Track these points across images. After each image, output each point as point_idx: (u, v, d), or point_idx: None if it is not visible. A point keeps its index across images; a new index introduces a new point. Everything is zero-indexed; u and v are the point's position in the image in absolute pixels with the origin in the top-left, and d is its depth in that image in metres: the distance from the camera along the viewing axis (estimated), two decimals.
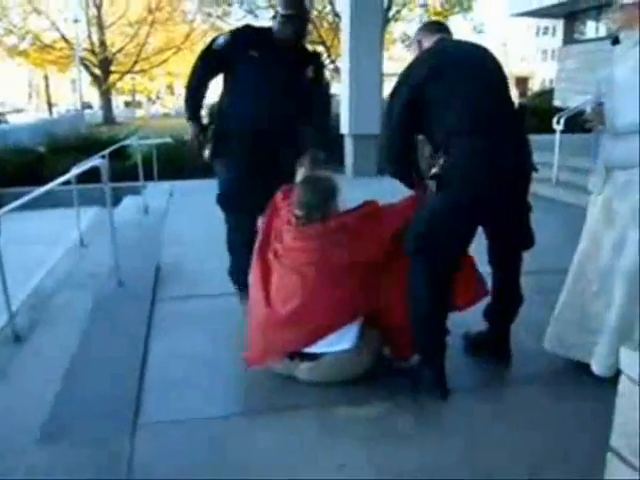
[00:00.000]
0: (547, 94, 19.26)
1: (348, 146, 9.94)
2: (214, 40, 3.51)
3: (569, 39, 19.05)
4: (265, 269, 2.92)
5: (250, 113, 3.43)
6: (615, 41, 2.77)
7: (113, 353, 3.16)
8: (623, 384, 1.43)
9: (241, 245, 3.52)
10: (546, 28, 35.98)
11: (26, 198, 4.90)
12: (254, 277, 2.95)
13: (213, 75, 3.57)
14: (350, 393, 2.69)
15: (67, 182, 5.61)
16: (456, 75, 2.58)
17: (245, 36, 3.48)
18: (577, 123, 4.00)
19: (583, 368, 2.81)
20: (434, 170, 2.59)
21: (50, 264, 5.32)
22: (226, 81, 3.56)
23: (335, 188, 2.92)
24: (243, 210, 3.54)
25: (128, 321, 3.60)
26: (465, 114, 2.54)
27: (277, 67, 3.42)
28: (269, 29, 3.48)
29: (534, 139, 4.84)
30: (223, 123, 3.54)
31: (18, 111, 33.48)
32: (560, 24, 16.62)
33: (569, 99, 13.92)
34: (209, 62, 3.51)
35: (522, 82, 27.90)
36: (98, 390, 2.78)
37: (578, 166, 7.32)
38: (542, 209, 5.66)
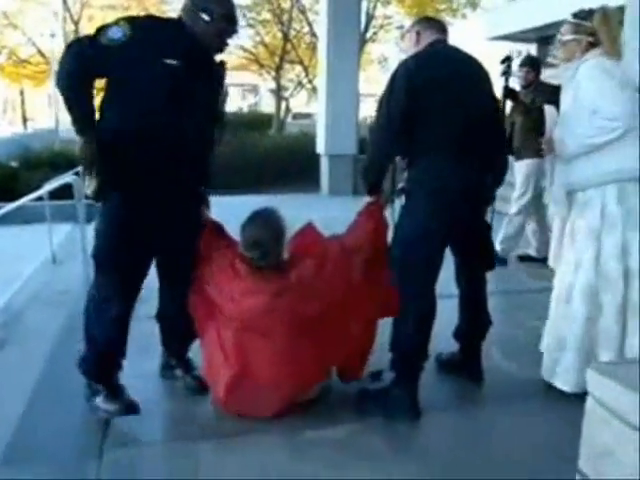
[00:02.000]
0: None
1: (324, 166, 9.99)
2: (102, 30, 2.44)
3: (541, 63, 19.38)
4: (217, 328, 2.69)
5: (164, 136, 2.55)
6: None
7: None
8: (590, 406, 1.44)
9: (117, 321, 2.66)
10: (519, 52, 36.79)
11: None
12: (209, 338, 2.74)
13: (93, 78, 2.51)
14: (319, 414, 2.66)
15: (40, 198, 5.56)
16: (440, 94, 2.59)
17: (154, 34, 2.55)
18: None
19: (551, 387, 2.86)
20: (401, 184, 2.71)
21: (21, 281, 5.23)
22: (116, 89, 2.54)
23: (284, 222, 2.81)
24: (135, 268, 2.66)
25: None
26: (439, 132, 2.60)
27: (199, 82, 2.63)
28: (188, 28, 2.62)
29: None
30: (119, 146, 2.50)
31: None
32: (533, 48, 16.98)
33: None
34: (90, 59, 2.43)
35: None
36: (65, 412, 2.73)
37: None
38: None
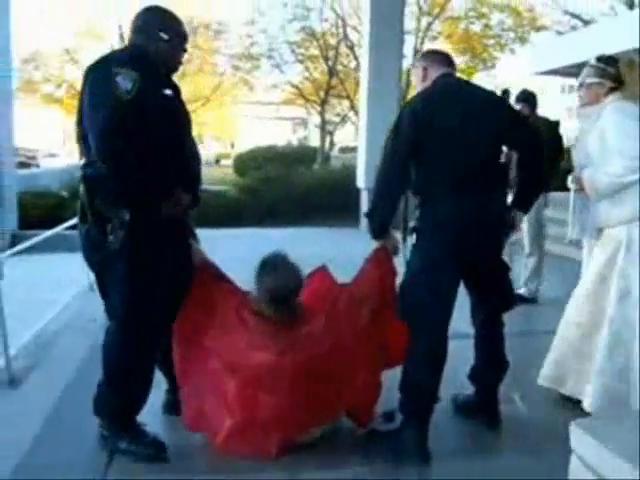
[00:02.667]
0: (569, 152, 19.20)
1: (363, 200, 9.99)
2: (111, 83, 2.31)
3: None
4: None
5: (187, 163, 2.59)
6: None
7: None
8: (573, 461, 1.38)
9: (146, 371, 2.65)
10: (571, 86, 36.39)
11: (32, 241, 5.02)
12: (200, 381, 2.69)
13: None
14: (323, 455, 2.61)
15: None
16: (444, 135, 2.59)
17: (147, 66, 2.46)
18: None
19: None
20: (412, 224, 2.71)
21: (58, 308, 5.37)
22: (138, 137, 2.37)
23: (301, 272, 2.78)
24: (163, 318, 2.62)
25: None
26: (443, 172, 2.61)
27: (182, 107, 2.64)
28: (149, 54, 2.54)
29: (553, 196, 4.87)
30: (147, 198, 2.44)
31: (52, 156, 34.40)
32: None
33: None
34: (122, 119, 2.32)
35: None
36: (73, 439, 2.75)
37: None
38: (551, 267, 5.63)
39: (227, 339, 2.64)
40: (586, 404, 2.91)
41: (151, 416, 2.80)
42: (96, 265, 2.60)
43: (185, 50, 2.67)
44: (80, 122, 2.50)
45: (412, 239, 2.72)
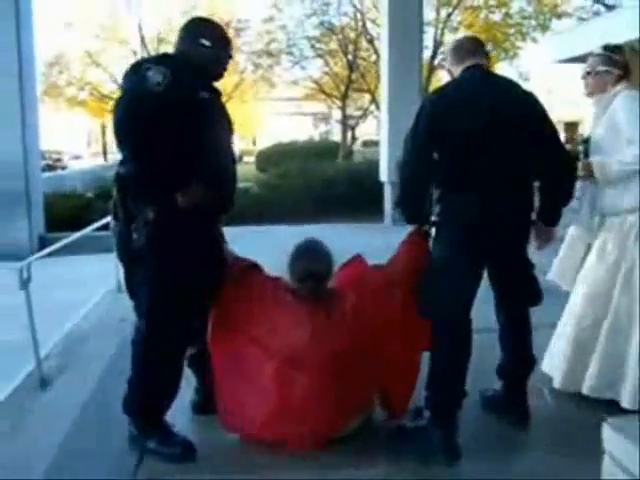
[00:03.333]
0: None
1: (387, 193, 9.96)
2: (145, 78, 2.34)
3: None
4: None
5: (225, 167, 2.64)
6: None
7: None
8: (605, 460, 1.36)
9: (174, 369, 2.65)
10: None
11: (60, 243, 5.08)
12: (235, 372, 2.71)
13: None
14: (352, 453, 2.60)
15: (107, 227, 5.79)
16: (462, 135, 2.55)
17: (184, 69, 2.49)
18: None
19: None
20: (433, 218, 2.70)
21: (86, 309, 5.44)
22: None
23: (332, 253, 2.83)
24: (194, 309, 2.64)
25: None
26: (461, 169, 2.59)
27: (221, 110, 2.68)
28: (190, 58, 2.57)
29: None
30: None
31: (76, 157, 34.89)
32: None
33: None
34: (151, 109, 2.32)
35: (571, 127, 27.62)
36: (102, 442, 2.78)
37: None
38: None
39: (264, 323, 2.67)
40: (624, 402, 2.86)
41: (179, 415, 2.83)
42: (125, 263, 2.64)
43: (231, 56, 2.69)
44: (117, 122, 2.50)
45: (432, 233, 2.71)
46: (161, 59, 2.60)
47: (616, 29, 12.95)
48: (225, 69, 2.69)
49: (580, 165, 3.01)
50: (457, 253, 2.56)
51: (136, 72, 2.44)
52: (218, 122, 2.62)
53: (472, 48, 2.76)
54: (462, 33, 22.64)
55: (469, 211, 2.55)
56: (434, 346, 2.60)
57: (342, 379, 2.59)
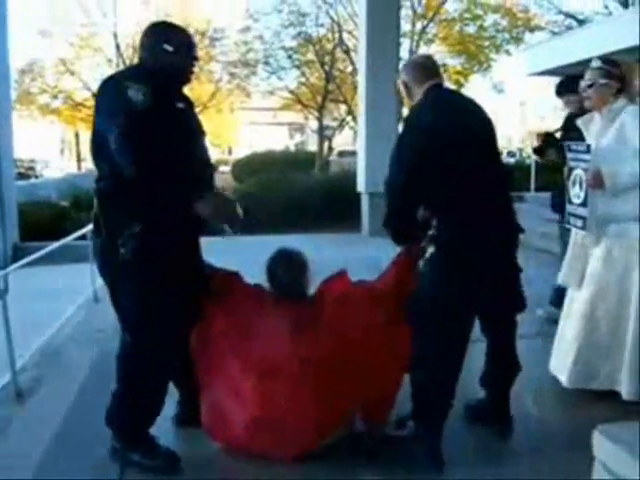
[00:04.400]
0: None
1: (364, 204, 9.98)
2: (124, 96, 2.33)
3: None
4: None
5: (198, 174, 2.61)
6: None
7: (101, 416, 3.10)
8: (596, 470, 1.37)
9: (159, 383, 2.64)
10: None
11: (38, 253, 5.01)
12: (218, 383, 2.69)
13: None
14: (335, 464, 2.57)
15: (84, 237, 5.72)
16: (448, 155, 2.56)
17: (157, 81, 2.46)
18: None
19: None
20: (430, 232, 2.65)
21: (62, 319, 5.36)
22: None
23: (305, 256, 2.89)
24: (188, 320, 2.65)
25: None
26: (449, 187, 2.58)
27: (195, 118, 2.71)
28: (157, 68, 2.56)
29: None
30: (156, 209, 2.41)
31: (50, 166, 34.48)
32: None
33: None
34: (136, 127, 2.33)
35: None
36: (81, 456, 2.73)
37: None
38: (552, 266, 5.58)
39: (243, 333, 2.66)
40: (624, 393, 3.06)
41: (163, 426, 2.78)
42: (109, 277, 2.59)
43: (196, 58, 2.67)
44: (94, 138, 2.51)
45: (430, 247, 2.65)
46: (136, 73, 2.57)
47: (588, 43, 13.22)
48: (192, 72, 2.67)
49: (590, 174, 3.11)
50: (460, 270, 2.54)
51: (116, 90, 2.40)
52: (195, 130, 2.64)
53: (434, 67, 2.84)
54: (437, 45, 22.97)
55: (469, 230, 2.55)
56: (424, 362, 2.57)
57: (322, 390, 2.57)
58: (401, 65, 3.04)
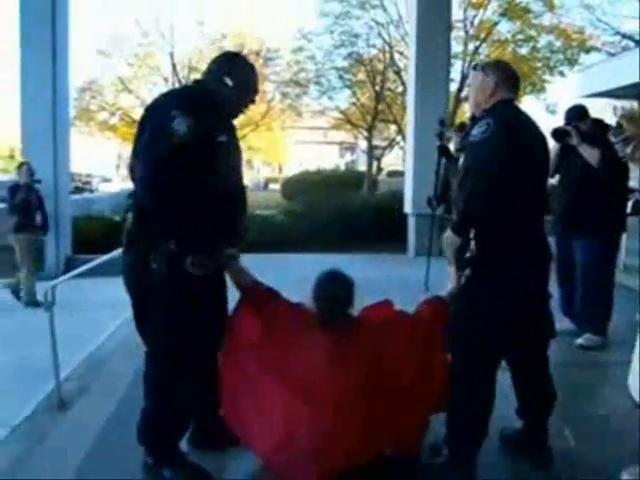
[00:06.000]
0: None
1: (411, 225, 9.92)
2: (168, 125, 2.39)
3: None
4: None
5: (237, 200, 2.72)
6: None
7: None
8: None
9: (187, 399, 2.64)
10: (623, 108, 35.77)
11: (85, 267, 5.15)
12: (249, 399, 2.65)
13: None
14: None
15: None
16: (519, 171, 2.46)
17: (205, 110, 2.51)
18: None
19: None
20: (467, 255, 2.57)
21: (108, 332, 5.48)
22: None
23: (353, 284, 2.83)
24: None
25: None
26: (507, 208, 2.47)
27: (236, 150, 2.74)
28: (209, 92, 2.62)
29: None
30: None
31: (106, 181, 35.49)
32: (636, 104, 16.36)
33: None
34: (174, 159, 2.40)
35: None
36: (117, 468, 2.77)
37: None
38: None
39: (280, 353, 2.64)
40: None
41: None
42: (138, 292, 2.62)
43: (252, 101, 2.70)
44: (133, 154, 2.58)
45: (467, 271, 2.58)
46: (187, 100, 2.58)
47: None
48: (243, 112, 2.71)
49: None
50: (505, 294, 2.49)
51: (163, 117, 2.44)
52: (232, 159, 2.67)
53: (518, 84, 2.74)
54: None
55: (508, 252, 2.49)
56: (461, 392, 2.53)
57: (354, 417, 2.53)
58: (491, 62, 2.87)
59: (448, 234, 2.57)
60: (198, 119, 2.43)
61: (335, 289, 2.76)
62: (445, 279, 5.44)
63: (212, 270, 2.57)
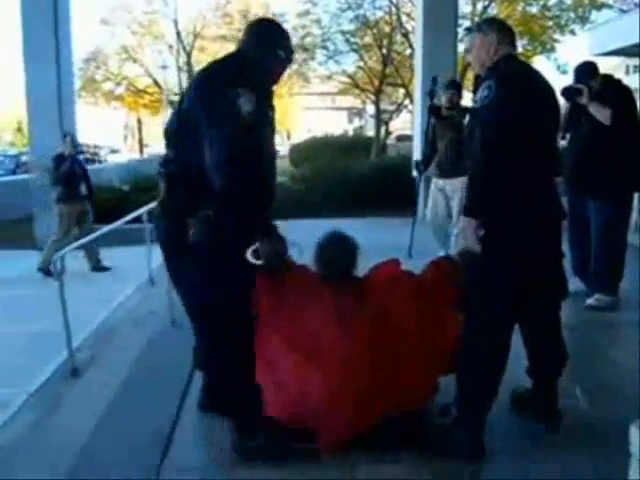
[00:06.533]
0: None
1: (420, 189, 9.85)
2: (235, 104, 2.32)
3: None
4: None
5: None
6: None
7: (152, 396, 3.18)
8: (632, 467, 1.31)
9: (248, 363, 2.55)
10: (636, 66, 34.85)
11: (93, 235, 5.18)
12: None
13: None
14: (375, 449, 2.55)
15: (139, 220, 5.87)
16: (533, 125, 2.42)
17: (260, 85, 2.49)
18: None
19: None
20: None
21: (118, 301, 5.52)
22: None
23: (356, 244, 2.86)
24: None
25: (173, 362, 3.48)
26: (519, 165, 2.40)
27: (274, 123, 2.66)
28: (263, 69, 2.57)
29: None
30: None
31: (114, 152, 35.46)
32: None
33: None
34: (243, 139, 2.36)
35: None
36: (129, 433, 2.81)
37: None
38: None
39: (290, 314, 2.67)
40: None
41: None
42: (172, 255, 2.57)
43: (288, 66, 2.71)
44: (183, 121, 2.49)
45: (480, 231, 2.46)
46: (239, 76, 2.44)
47: None
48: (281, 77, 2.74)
49: None
50: (521, 255, 2.46)
51: (224, 96, 2.35)
52: (272, 133, 2.62)
53: (515, 39, 2.68)
54: None
55: (521, 210, 2.44)
56: (472, 353, 2.52)
57: (363, 375, 2.54)
58: (484, 20, 2.77)
59: (463, 222, 2.50)
60: (258, 94, 2.38)
61: (334, 251, 2.80)
62: (431, 244, 5.43)
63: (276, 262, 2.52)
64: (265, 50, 2.57)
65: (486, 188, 2.41)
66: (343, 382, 2.52)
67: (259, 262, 2.43)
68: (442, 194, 5.71)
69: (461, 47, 14.30)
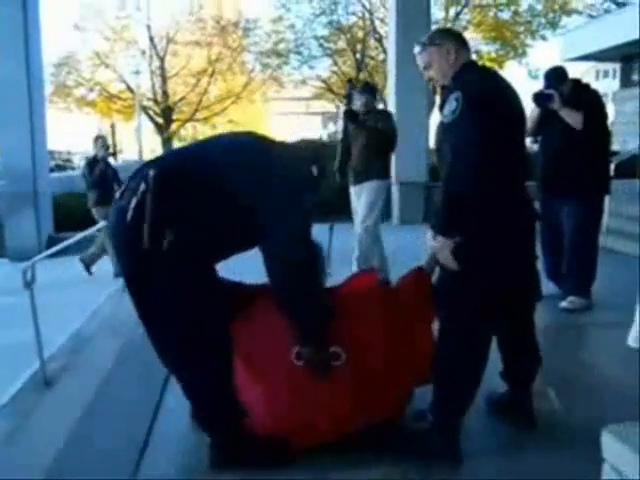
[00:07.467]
0: None
1: (394, 194, 9.90)
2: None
3: (627, 82, 18.64)
4: None
5: None
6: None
7: (126, 404, 3.15)
8: (605, 472, 1.31)
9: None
10: (606, 71, 35.40)
11: (64, 243, 5.10)
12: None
13: None
14: (352, 454, 2.53)
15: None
16: (503, 130, 2.41)
17: None
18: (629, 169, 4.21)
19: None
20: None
21: (91, 310, 5.44)
22: None
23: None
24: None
25: (147, 371, 3.40)
26: (504, 171, 2.43)
27: None
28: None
29: None
30: None
31: (87, 158, 35.07)
32: (617, 67, 16.32)
33: (629, 143, 13.55)
34: None
35: None
36: (103, 442, 2.77)
37: (631, 214, 7.05)
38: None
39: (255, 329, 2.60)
40: None
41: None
42: (135, 266, 2.38)
43: None
44: None
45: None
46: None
47: (626, 26, 12.86)
48: None
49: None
50: (498, 260, 2.44)
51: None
52: None
53: (468, 44, 2.70)
54: (471, 32, 22.57)
55: (495, 214, 2.42)
56: (447, 362, 2.51)
57: (337, 384, 2.51)
58: (434, 33, 2.69)
59: (436, 242, 2.46)
60: None
61: None
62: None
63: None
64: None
65: (460, 207, 2.38)
66: (319, 391, 2.50)
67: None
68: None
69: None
